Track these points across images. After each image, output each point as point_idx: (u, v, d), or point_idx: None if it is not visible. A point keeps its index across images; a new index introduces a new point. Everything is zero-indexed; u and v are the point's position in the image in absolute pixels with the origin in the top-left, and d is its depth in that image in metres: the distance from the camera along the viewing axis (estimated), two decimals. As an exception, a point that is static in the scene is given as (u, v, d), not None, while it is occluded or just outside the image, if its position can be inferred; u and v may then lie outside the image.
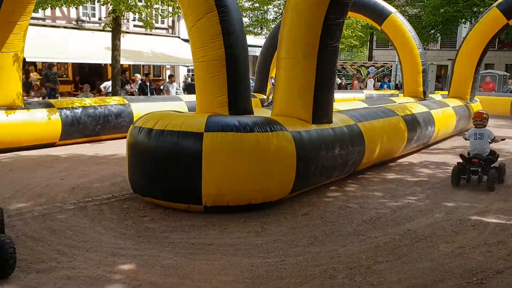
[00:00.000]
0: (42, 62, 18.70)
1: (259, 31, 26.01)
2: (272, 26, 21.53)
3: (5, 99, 8.85)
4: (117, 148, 9.76)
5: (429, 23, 24.59)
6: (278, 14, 24.70)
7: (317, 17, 5.88)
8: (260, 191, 5.37)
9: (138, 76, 16.55)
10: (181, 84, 25.65)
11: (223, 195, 5.26)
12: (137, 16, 13.99)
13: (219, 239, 4.58)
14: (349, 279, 3.74)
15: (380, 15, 13.48)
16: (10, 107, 8.90)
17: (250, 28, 23.98)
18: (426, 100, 13.03)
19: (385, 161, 8.40)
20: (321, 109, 6.18)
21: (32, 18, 9.25)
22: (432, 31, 25.72)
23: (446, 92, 15.30)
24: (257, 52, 24.21)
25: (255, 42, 26.26)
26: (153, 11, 16.01)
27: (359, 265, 4.01)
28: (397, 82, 27.31)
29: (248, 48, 6.39)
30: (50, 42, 17.46)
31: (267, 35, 18.36)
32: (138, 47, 20.46)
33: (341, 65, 25.97)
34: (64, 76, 20.25)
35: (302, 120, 6.01)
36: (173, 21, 25.16)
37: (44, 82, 14.83)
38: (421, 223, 5.19)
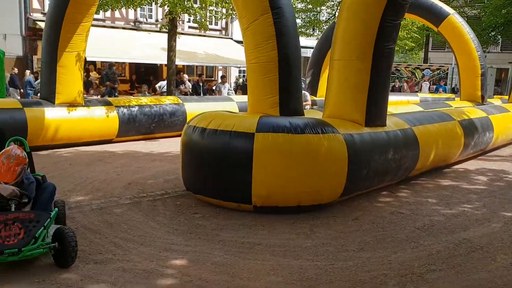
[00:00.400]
0: (102, 62, 19.50)
1: (311, 32, 25.85)
2: (325, 28, 21.36)
3: (67, 96, 9.30)
4: (171, 146, 10.03)
5: (490, 24, 23.56)
6: (331, 15, 24.47)
7: (372, 18, 5.79)
8: (310, 193, 5.35)
9: (186, 77, 16.90)
10: (232, 85, 26.00)
11: (273, 195, 5.28)
12: (192, 17, 14.30)
13: (268, 239, 4.61)
14: (400, 287, 3.66)
15: (437, 16, 13.04)
16: (72, 104, 9.35)
17: (302, 29, 23.89)
18: (485, 104, 12.48)
19: (439, 167, 8.14)
20: (375, 112, 6.07)
21: (93, 19, 9.64)
22: (493, 33, 24.63)
23: (506, 97, 14.59)
24: (308, 53, 24.10)
25: (307, 43, 26.12)
26: (208, 13, 16.31)
27: (411, 273, 3.92)
28: (453, 86, 26.36)
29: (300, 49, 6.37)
30: (109, 43, 18.16)
31: (319, 37, 18.23)
32: (193, 48, 20.90)
33: (395, 67, 25.36)
34: (122, 75, 21.02)
35: (355, 122, 5.93)
36: (226, 23, 25.50)
37: (104, 81, 15.47)
38: (477, 233, 4.99)
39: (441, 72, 25.50)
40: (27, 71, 16.65)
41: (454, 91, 23.22)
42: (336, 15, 21.89)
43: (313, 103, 13.94)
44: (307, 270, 3.90)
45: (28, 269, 3.74)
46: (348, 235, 4.82)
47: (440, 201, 6.21)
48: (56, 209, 4.21)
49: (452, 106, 11.99)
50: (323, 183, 5.37)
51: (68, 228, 3.87)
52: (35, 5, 18.68)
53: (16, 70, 16.11)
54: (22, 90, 15.72)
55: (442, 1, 13.42)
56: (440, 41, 27.40)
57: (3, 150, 4.16)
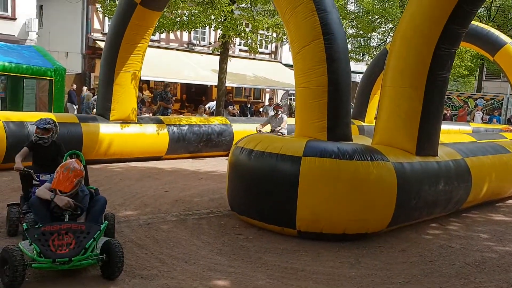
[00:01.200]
0: (155, 81, 20.16)
1: (361, 58, 25.69)
2: (375, 53, 21.18)
3: (121, 113, 9.67)
4: (217, 165, 10.17)
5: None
6: (381, 41, 24.26)
7: (427, 46, 5.70)
8: (356, 222, 5.25)
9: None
10: (280, 107, 26.01)
11: (318, 221, 5.23)
12: (243, 41, 14.58)
13: (312, 266, 4.54)
14: (449, 325, 3.50)
15: (493, 45, 12.68)
16: (125, 121, 9.70)
17: (352, 54, 23.78)
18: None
19: (492, 201, 7.78)
20: (426, 141, 5.93)
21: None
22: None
23: None
24: (357, 78, 23.93)
25: (356, 68, 25.95)
26: (258, 37, 16.59)
27: (461, 311, 3.74)
28: (508, 117, 25.28)
29: (350, 74, 6.35)
30: (163, 63, 18.79)
31: (369, 62, 18.09)
32: (242, 70, 21.25)
33: (447, 95, 24.64)
34: (174, 96, 21.60)
35: (405, 151, 5.81)
36: (276, 47, 25.81)
37: (159, 100, 15.91)
38: (534, 273, 4.71)
39: (495, 102, 24.58)
40: (84, 87, 17.48)
41: (509, 121, 22.26)
42: (387, 41, 21.72)
43: (361, 128, 13.79)
44: (351, 300, 3.81)
45: (77, 278, 3.87)
46: (395, 266, 4.68)
47: (493, 237, 5.93)
48: (106, 222, 4.35)
49: (507, 138, 11.50)
50: (370, 211, 5.26)
51: (115, 241, 3.99)
52: (96, 25, 19.68)
53: (74, 86, 16.95)
54: (77, 106, 16.49)
55: (498, 30, 13.03)
56: (496, 70, 26.46)
57: (63, 163, 4.37)
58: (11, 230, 4.75)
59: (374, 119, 12.91)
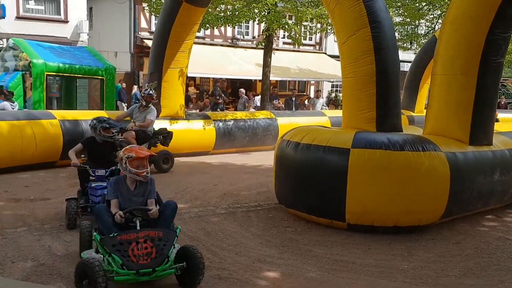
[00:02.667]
0: (200, 77, 20.46)
1: (409, 46, 24.96)
2: (423, 41, 20.50)
3: (170, 110, 9.89)
4: (263, 159, 10.21)
5: None
6: (430, 28, 23.45)
7: (479, 31, 5.47)
8: (408, 214, 5.14)
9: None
10: (325, 100, 25.86)
11: (368, 214, 5.16)
12: (286, 33, 14.52)
13: (363, 259, 4.49)
14: (509, 320, 3.37)
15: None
16: (174, 118, 9.91)
17: (400, 43, 23.12)
18: None
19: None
20: (480, 130, 5.70)
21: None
22: None
23: None
24: (405, 67, 23.26)
25: (404, 57, 25.22)
26: (302, 28, 16.45)
27: (522, 306, 3.59)
28: None
29: (398, 63, 6.19)
30: (208, 59, 19.03)
31: (417, 50, 17.55)
32: (286, 63, 21.18)
33: (501, 82, 23.57)
34: (225, 92, 21.76)
35: (458, 140, 5.61)
36: (320, 38, 25.51)
37: (209, 96, 16.07)
38: None
39: (555, 88, 23.24)
40: (134, 86, 17.99)
41: None
42: (435, 29, 20.97)
43: (410, 119, 13.42)
44: (404, 293, 3.74)
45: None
46: (449, 259, 4.55)
47: (556, 229, 5.64)
48: (179, 227, 4.02)
49: None
50: (423, 203, 5.13)
51: (194, 247, 3.73)
52: (143, 24, 20.18)
53: (124, 85, 17.47)
54: (126, 104, 17.00)
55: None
56: (555, 54, 24.97)
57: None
58: (70, 224, 4.99)
59: (425, 109, 12.53)
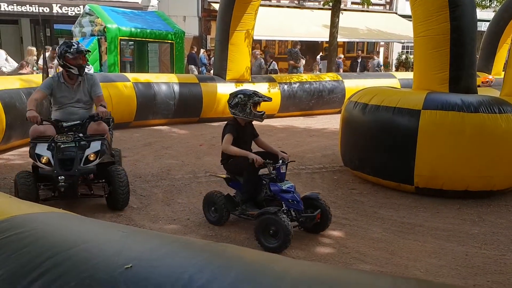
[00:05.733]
0: (266, 40, 20.36)
1: (488, 4, 23.18)
2: (506, -2, 18.93)
3: (236, 73, 9.99)
4: (328, 122, 10.13)
5: None
6: (514, -18, 21.56)
7: None
8: (480, 178, 4.94)
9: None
10: (394, 61, 24.89)
11: (437, 177, 5.02)
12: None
13: (431, 222, 4.42)
14: None
15: None
16: (240, 80, 10.01)
17: (477, 0, 21.56)
18: None
19: None
20: None
21: (261, -2, 10.09)
22: None
23: None
24: (483, 27, 21.73)
25: (482, 15, 23.49)
26: (372, -13, 15.73)
27: None
28: None
29: (476, 22, 5.81)
30: (274, 21, 18.83)
31: (497, 8, 16.26)
32: (355, 24, 20.49)
33: None
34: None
35: (540, 102, 5.25)
36: (391, -4, 24.37)
37: (288, 59, 15.80)
38: None
39: None
40: (201, 49, 18.27)
41: None
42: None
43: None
44: (473, 258, 3.66)
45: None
46: (524, 226, 4.36)
47: None
48: None
49: None
50: (497, 168, 4.91)
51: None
52: (210, -13, 20.26)
53: (195, 49, 17.78)
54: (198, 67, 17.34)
55: None
56: None
57: None
58: None
59: (503, 71, 11.71)
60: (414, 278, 3.19)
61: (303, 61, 15.06)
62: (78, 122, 4.45)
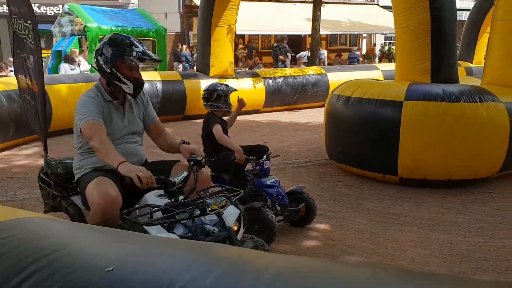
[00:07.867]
0: (249, 35, 20.31)
1: (468, -7, 23.44)
2: (485, -14, 19.13)
3: (219, 69, 9.95)
4: (312, 116, 10.16)
5: None
6: (493, -29, 21.82)
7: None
8: (463, 167, 5.01)
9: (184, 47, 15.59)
10: (377, 53, 25.02)
11: (421, 167, 5.07)
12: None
13: (415, 212, 4.46)
14: None
15: None
16: (223, 76, 9.97)
17: (458, -10, 21.78)
18: None
19: None
20: (545, 78, 5.36)
21: (242, -7, 10.05)
22: None
23: None
24: (463, 16, 21.95)
25: (462, 5, 23.75)
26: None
27: None
28: None
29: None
30: (257, 15, 18.79)
31: (478, -3, 16.43)
32: (337, 16, 20.54)
33: None
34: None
35: (520, 90, 5.33)
36: (372, -12, 24.48)
37: (274, 55, 15.68)
38: None
39: None
40: (183, 46, 18.16)
41: None
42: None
43: (468, 70, 12.79)
44: (458, 245, 3.71)
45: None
46: (506, 213, 4.43)
47: None
48: None
49: None
50: (479, 157, 4.97)
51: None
52: (191, -17, 20.14)
53: (180, 46, 17.65)
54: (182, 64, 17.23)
55: None
56: None
57: None
58: None
59: (484, 59, 11.85)
60: (393, 267, 3.24)
61: (289, 56, 15.07)
62: (185, 173, 2.66)
